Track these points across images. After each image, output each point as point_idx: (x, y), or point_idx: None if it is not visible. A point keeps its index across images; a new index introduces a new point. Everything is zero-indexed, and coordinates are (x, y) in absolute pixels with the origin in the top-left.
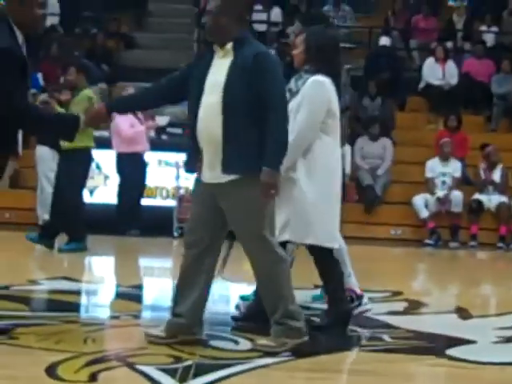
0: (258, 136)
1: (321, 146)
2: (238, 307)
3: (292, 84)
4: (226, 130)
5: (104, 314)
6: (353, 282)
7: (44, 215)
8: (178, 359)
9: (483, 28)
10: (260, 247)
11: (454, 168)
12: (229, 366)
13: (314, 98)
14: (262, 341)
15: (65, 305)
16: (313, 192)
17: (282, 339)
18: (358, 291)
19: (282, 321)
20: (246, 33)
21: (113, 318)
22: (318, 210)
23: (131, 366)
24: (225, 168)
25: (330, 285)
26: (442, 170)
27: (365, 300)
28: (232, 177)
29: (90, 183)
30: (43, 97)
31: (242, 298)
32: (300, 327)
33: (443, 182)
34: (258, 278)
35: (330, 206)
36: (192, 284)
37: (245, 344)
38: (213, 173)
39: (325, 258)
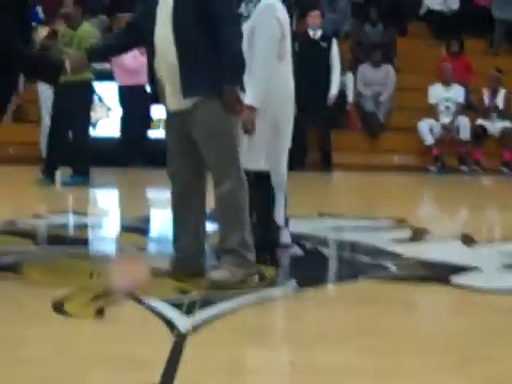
0: (214, 56)
1: (275, 76)
2: None
3: (243, 8)
4: (181, 55)
5: (110, 247)
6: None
7: None
8: (184, 292)
9: None
10: (227, 170)
11: (457, 93)
12: (234, 297)
13: (268, 23)
14: (216, 274)
15: (70, 239)
16: (261, 124)
17: (235, 269)
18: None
19: (236, 248)
20: None
21: (119, 251)
22: (264, 141)
23: (137, 300)
24: (185, 92)
25: (260, 210)
26: (445, 96)
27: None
28: (194, 100)
29: (92, 116)
30: (43, 34)
31: None
32: (251, 260)
33: (447, 108)
34: (219, 202)
35: (276, 140)
36: (184, 220)
37: None
38: (176, 100)
39: (262, 183)
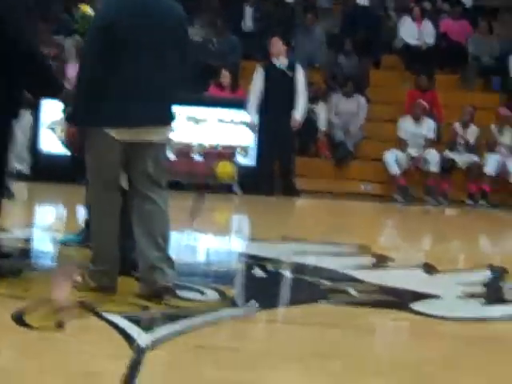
0: None
1: None
2: None
3: None
4: None
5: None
6: None
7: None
8: (144, 308)
9: None
10: None
11: (428, 128)
12: (195, 315)
13: None
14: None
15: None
16: None
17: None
18: None
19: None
20: None
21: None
22: None
23: (98, 315)
24: None
25: None
26: (415, 131)
27: None
28: None
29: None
30: None
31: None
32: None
33: (416, 143)
34: None
35: None
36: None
37: (212, 294)
38: None
39: None
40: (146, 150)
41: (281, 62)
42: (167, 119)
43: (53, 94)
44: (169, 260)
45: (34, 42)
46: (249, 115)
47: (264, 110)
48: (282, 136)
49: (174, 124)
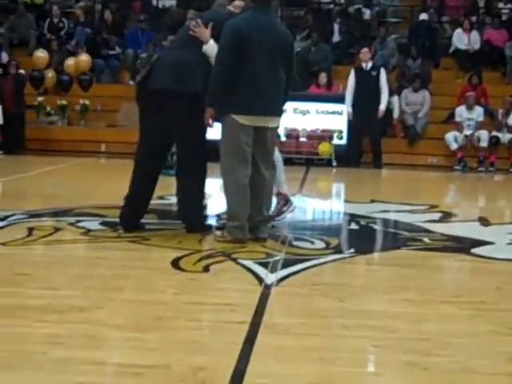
0: None
1: None
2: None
3: None
4: None
5: None
6: (284, 188)
7: None
8: (269, 255)
9: (500, 5)
10: None
11: (478, 114)
12: (308, 260)
13: None
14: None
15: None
16: None
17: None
18: (288, 195)
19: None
20: None
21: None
22: None
23: (234, 260)
24: None
25: None
26: (468, 116)
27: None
28: None
29: None
30: None
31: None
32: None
33: (469, 125)
34: None
35: None
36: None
37: (319, 244)
38: None
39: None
40: (264, 133)
41: (367, 65)
42: (279, 111)
43: None
44: (266, 222)
45: None
46: (346, 106)
47: (356, 102)
48: (372, 123)
49: (283, 114)
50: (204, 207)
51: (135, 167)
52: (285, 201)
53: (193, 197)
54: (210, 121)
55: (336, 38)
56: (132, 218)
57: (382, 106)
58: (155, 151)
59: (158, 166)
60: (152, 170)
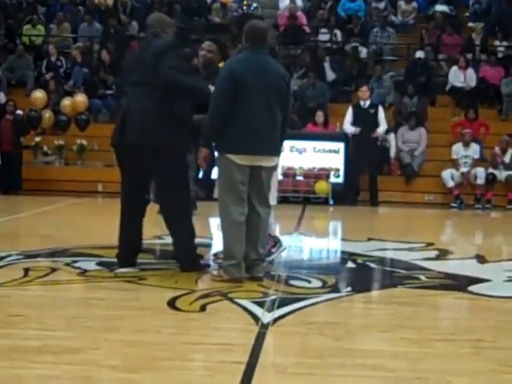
0: None
1: None
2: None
3: None
4: None
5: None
6: (273, 230)
7: None
8: (265, 294)
9: (496, 43)
10: None
11: (474, 151)
12: (304, 299)
13: None
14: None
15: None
16: None
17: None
18: (277, 236)
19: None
20: None
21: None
22: None
23: (231, 300)
24: None
25: None
26: (464, 153)
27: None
28: None
29: None
30: None
31: None
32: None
33: (465, 162)
34: None
35: None
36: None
37: (316, 282)
38: None
39: None
40: (259, 172)
41: (366, 103)
42: (275, 150)
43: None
44: (262, 260)
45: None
46: (348, 129)
47: (353, 139)
48: (370, 160)
49: (280, 153)
50: (195, 246)
51: (121, 208)
52: (274, 242)
53: (182, 237)
54: (203, 163)
55: (330, 76)
56: (128, 256)
57: (379, 130)
58: (137, 192)
59: (142, 203)
60: (137, 206)
